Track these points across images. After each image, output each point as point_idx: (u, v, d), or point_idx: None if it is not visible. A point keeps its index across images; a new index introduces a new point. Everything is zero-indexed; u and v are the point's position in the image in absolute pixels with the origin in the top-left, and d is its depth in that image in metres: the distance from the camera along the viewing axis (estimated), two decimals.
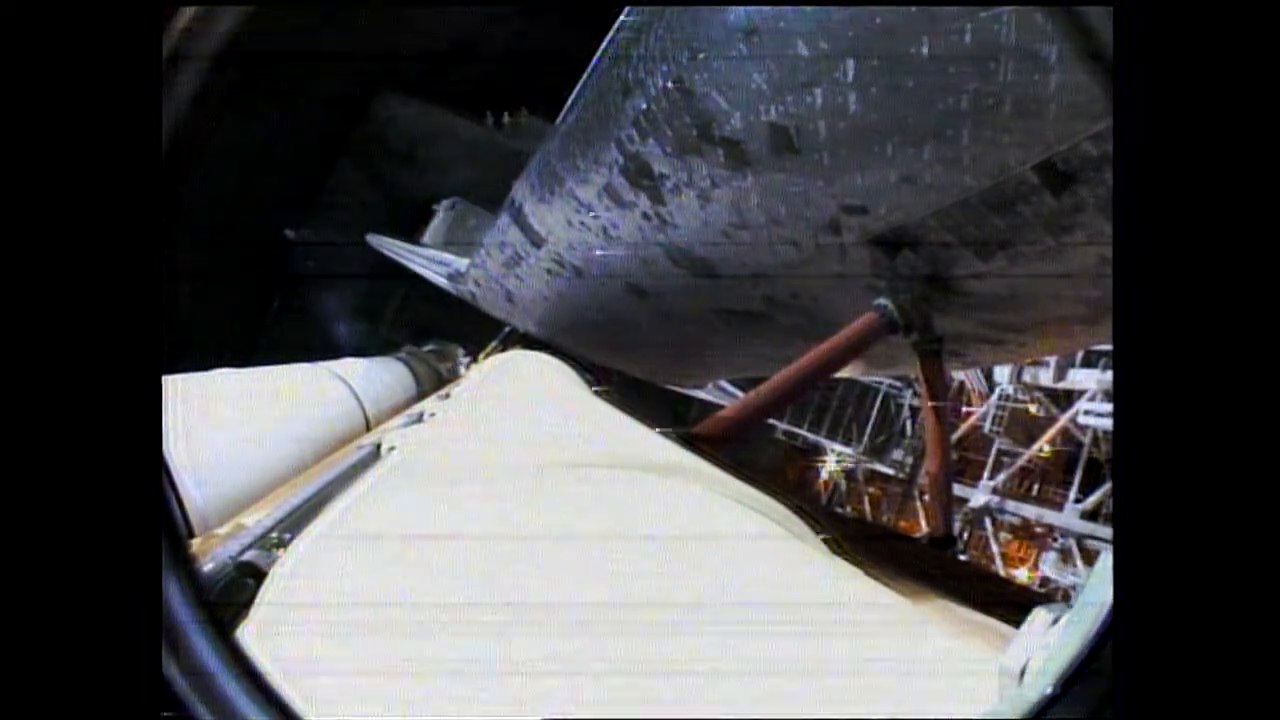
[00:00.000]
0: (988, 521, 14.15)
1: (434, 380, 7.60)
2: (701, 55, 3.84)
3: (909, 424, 16.96)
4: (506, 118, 13.25)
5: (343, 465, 2.70)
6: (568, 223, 6.23)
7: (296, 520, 2.04)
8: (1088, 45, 1.02)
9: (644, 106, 4.37)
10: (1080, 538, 12.34)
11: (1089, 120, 2.85)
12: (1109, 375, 12.09)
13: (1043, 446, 13.86)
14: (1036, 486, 14.37)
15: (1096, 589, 0.97)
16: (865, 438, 17.11)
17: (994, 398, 14.54)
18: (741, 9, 3.56)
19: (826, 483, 17.80)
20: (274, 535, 1.91)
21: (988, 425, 14.49)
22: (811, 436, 17.38)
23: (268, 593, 1.53)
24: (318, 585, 1.59)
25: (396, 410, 5.18)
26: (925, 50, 3.00)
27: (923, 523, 15.39)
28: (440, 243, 12.44)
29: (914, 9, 2.99)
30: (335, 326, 13.44)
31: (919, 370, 4.92)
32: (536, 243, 7.08)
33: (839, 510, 16.17)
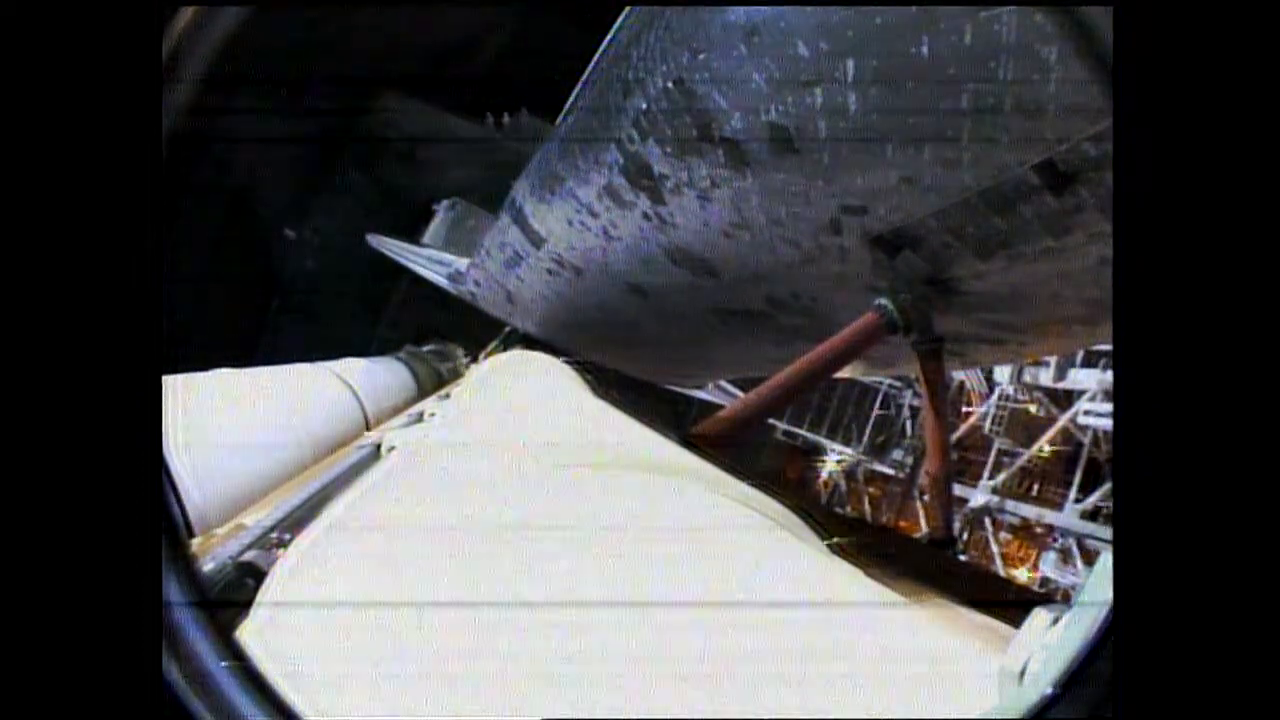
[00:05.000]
0: (988, 521, 14.16)
1: (434, 380, 7.58)
2: (701, 55, 3.84)
3: (909, 424, 16.96)
4: (506, 118, 13.25)
5: (343, 465, 2.70)
6: (568, 223, 6.23)
7: (296, 520, 2.04)
8: (1088, 45, 1.02)
9: (644, 106, 4.37)
10: (1080, 538, 12.34)
11: (1089, 120, 2.85)
12: (1109, 375, 12.09)
13: (1043, 446, 13.86)
14: (1036, 486, 14.37)
15: (1096, 589, 0.97)
16: (865, 438, 17.11)
17: (994, 398, 14.55)
18: (741, 9, 3.56)
19: (826, 483, 17.80)
20: (274, 535, 1.91)
21: (988, 425, 14.50)
22: (811, 436, 17.38)
23: (268, 593, 1.53)
24: (318, 585, 1.59)
25: (396, 410, 5.18)
26: (925, 50, 3.00)
27: (923, 523, 15.40)
28: (440, 243, 12.45)
29: (914, 9, 2.99)
30: (335, 326, 13.44)
31: (919, 370, 4.93)
32: (536, 243, 7.08)
33: (839, 510, 16.17)
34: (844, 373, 7.15)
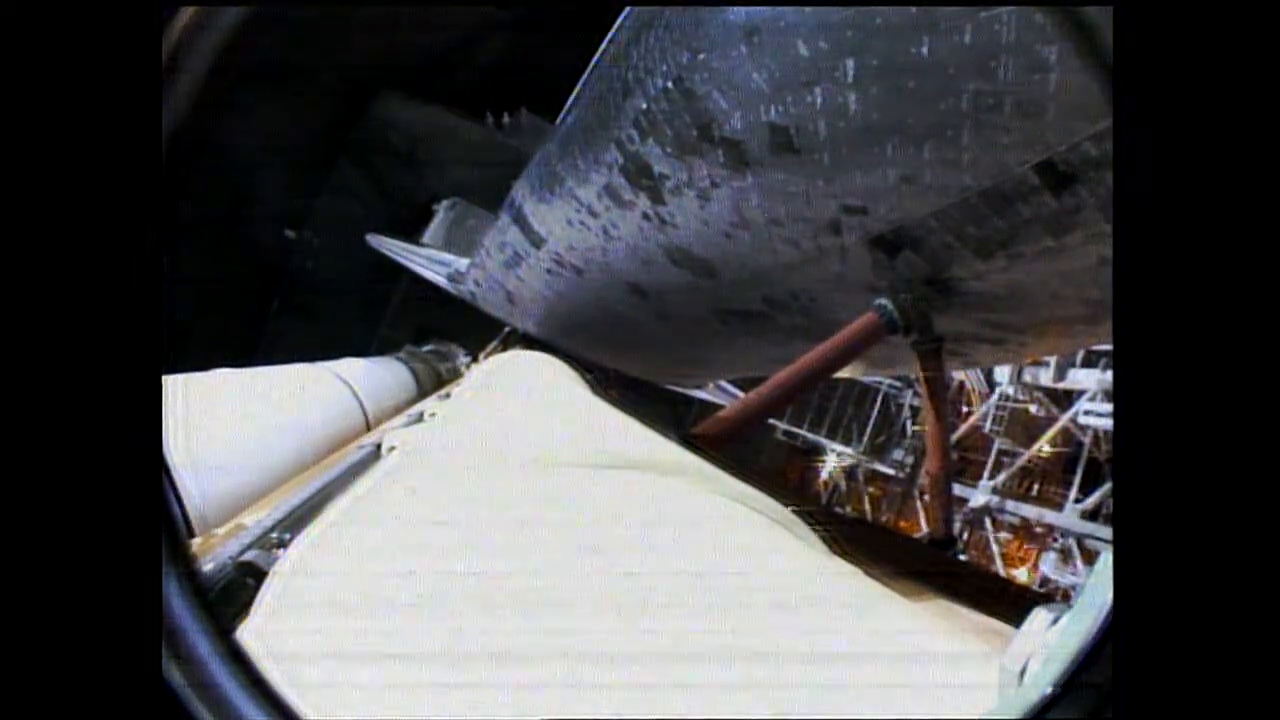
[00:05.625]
0: (988, 521, 14.16)
1: (434, 380, 7.59)
2: (701, 55, 3.84)
3: (909, 424, 16.97)
4: (506, 118, 13.25)
5: (343, 465, 2.69)
6: (568, 223, 6.23)
7: (296, 520, 2.04)
8: (1088, 45, 1.02)
9: (644, 106, 4.37)
10: (1080, 538, 12.33)
11: (1089, 120, 2.85)
12: (1109, 375, 12.09)
13: (1043, 446, 13.86)
14: (1036, 486, 14.37)
15: (1096, 589, 0.97)
16: (865, 438, 17.12)
17: (994, 398, 14.54)
18: (741, 9, 3.56)
19: (826, 483, 17.80)
20: (274, 535, 1.91)
21: (988, 425, 14.50)
22: (811, 436, 17.38)
23: (268, 593, 1.53)
24: (317, 585, 1.59)
25: (396, 410, 5.18)
26: (925, 50, 3.00)
27: (923, 523, 15.40)
28: (440, 243, 12.45)
29: (914, 9, 2.99)
30: (335, 326, 13.45)
31: (919, 370, 4.92)
32: (536, 243, 7.08)
33: (839, 510, 16.18)
34: (844, 373, 7.15)
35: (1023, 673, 1.04)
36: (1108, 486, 12.27)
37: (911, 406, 16.70)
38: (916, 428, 16.31)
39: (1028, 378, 13.92)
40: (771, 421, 16.29)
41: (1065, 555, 12.49)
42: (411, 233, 13.01)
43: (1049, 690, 0.96)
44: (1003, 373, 14.19)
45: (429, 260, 11.30)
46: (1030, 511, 13.50)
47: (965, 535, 13.96)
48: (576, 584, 1.65)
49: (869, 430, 17.09)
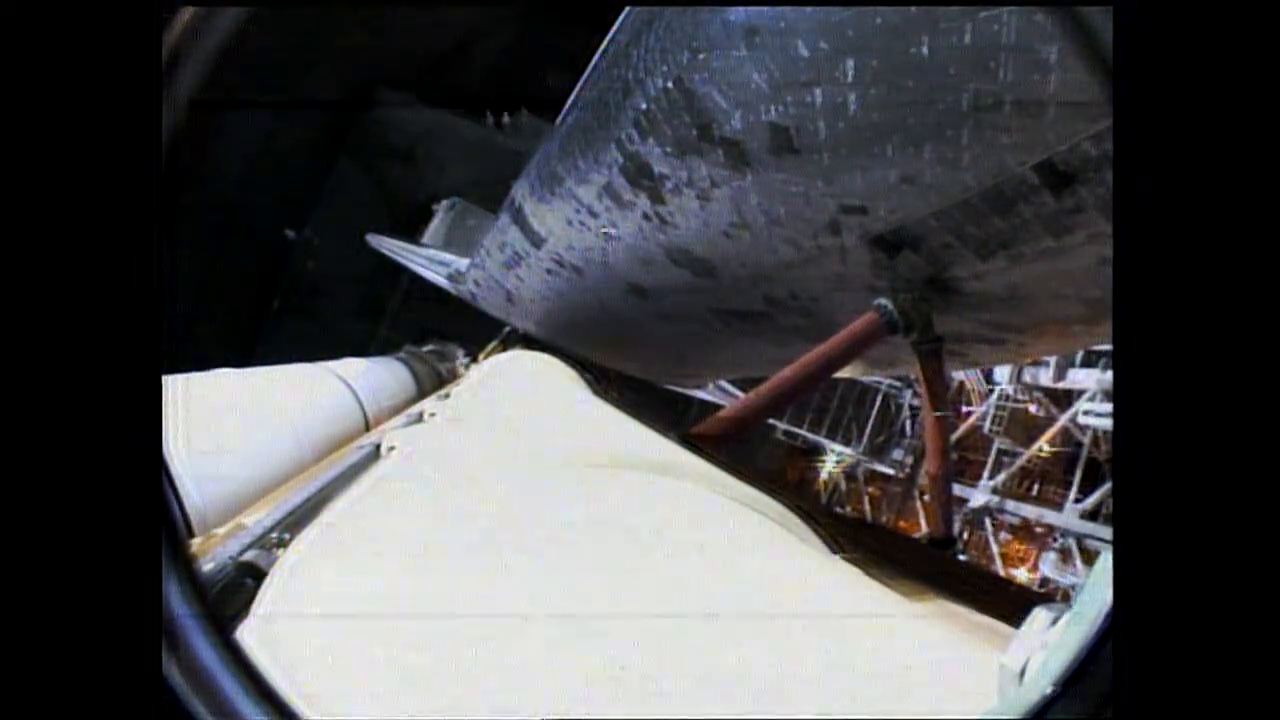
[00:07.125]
0: (988, 521, 14.16)
1: (434, 380, 7.59)
2: (701, 55, 3.84)
3: (909, 424, 16.97)
4: (506, 118, 13.25)
5: (343, 465, 2.69)
6: (567, 223, 6.23)
7: (296, 520, 2.04)
8: (1088, 45, 1.02)
9: (644, 106, 4.36)
10: (1080, 538, 12.34)
11: (1089, 120, 2.85)
12: (1109, 375, 12.09)
13: (1043, 446, 13.87)
14: (1036, 486, 14.37)
15: (1096, 589, 0.97)
16: (865, 438, 17.12)
17: (994, 398, 14.55)
18: (741, 9, 3.56)
19: (826, 483, 17.81)
20: (274, 535, 1.91)
21: (988, 425, 14.51)
22: (811, 436, 17.38)
23: (268, 593, 1.53)
24: (318, 585, 1.59)
25: (396, 410, 5.18)
26: (925, 50, 3.00)
27: (923, 523, 15.41)
28: (440, 243, 12.45)
29: (914, 9, 2.99)
30: (335, 326, 13.45)
31: (919, 370, 4.92)
32: (536, 243, 7.08)
33: (839, 510, 16.18)
34: (844, 373, 7.15)
35: (1023, 673, 1.04)
36: (1108, 486, 12.27)
37: (911, 406, 16.70)
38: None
39: (1028, 378, 13.93)
40: (771, 421, 16.29)
41: (1065, 555, 12.49)
42: (411, 233, 13.02)
43: (1049, 690, 0.96)
44: (1003, 373, 14.19)
45: (429, 260, 11.30)
46: (1030, 511, 13.50)
47: (965, 535, 13.97)
48: (575, 584, 1.65)
49: (869, 430, 17.10)
